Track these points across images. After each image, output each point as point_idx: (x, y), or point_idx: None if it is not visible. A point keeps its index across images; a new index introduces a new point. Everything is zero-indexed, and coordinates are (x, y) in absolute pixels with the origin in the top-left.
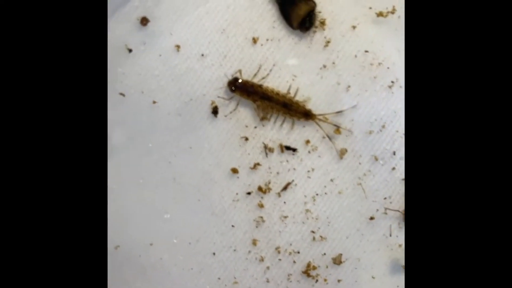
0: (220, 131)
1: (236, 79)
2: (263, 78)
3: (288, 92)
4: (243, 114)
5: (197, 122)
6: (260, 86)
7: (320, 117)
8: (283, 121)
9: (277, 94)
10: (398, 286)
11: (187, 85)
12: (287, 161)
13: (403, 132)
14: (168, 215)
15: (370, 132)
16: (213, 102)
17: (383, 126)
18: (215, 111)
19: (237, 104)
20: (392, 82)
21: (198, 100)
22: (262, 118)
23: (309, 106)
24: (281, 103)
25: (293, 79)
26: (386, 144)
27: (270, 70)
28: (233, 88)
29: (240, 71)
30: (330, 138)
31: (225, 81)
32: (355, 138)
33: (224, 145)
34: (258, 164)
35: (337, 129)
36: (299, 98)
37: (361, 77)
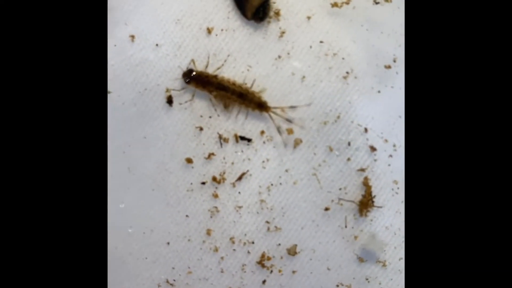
0: (175, 121)
1: (190, 71)
2: (218, 68)
3: (244, 83)
4: (198, 104)
5: (152, 112)
6: (215, 76)
7: (275, 110)
8: (238, 112)
9: (233, 84)
10: (354, 278)
11: (142, 75)
12: (242, 151)
13: (358, 122)
14: (123, 205)
15: (325, 123)
16: (168, 90)
17: (338, 117)
18: (169, 101)
19: (193, 95)
20: (347, 72)
21: (153, 90)
22: (225, 107)
23: (265, 97)
24: (237, 93)
25: (248, 70)
26: (342, 134)
27: (225, 61)
28: (187, 79)
29: (193, 61)
30: (280, 132)
31: (179, 72)
32: (310, 129)
33: (179, 135)
34: (212, 154)
35: (290, 129)
36: (255, 88)
37: (316, 68)
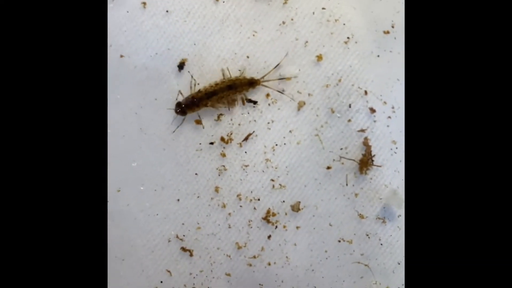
0: (185, 84)
1: (179, 104)
2: (195, 85)
3: (223, 75)
4: (207, 68)
5: (162, 75)
6: (199, 91)
7: (265, 78)
8: (239, 101)
9: (217, 84)
10: (355, 234)
11: (153, 41)
12: (248, 113)
13: (359, 85)
14: (135, 164)
15: (327, 86)
16: (184, 60)
17: (340, 80)
18: (181, 66)
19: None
20: (348, 38)
21: (163, 54)
22: (226, 106)
23: (248, 74)
24: (226, 88)
25: (253, 35)
26: (343, 97)
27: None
28: (181, 111)
29: (180, 92)
30: (283, 93)
31: (188, 42)
32: (313, 92)
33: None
34: (221, 115)
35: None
36: (236, 73)
37: (318, 33)
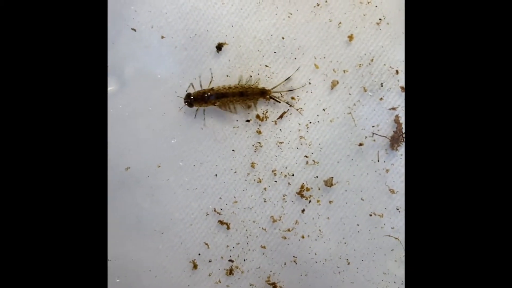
0: (222, 64)
1: (189, 95)
2: (210, 82)
3: (239, 81)
4: (243, 48)
5: (201, 56)
6: (212, 89)
7: (275, 89)
8: (248, 106)
9: (230, 88)
10: (385, 208)
11: (192, 22)
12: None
13: (390, 65)
14: (174, 140)
15: (360, 65)
16: (224, 43)
17: (372, 60)
18: (219, 48)
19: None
20: (380, 19)
21: (202, 35)
22: (231, 110)
23: (261, 84)
24: (238, 94)
25: (288, 16)
26: (375, 77)
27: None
28: (188, 103)
29: (192, 85)
30: (290, 105)
31: (222, 29)
32: (346, 71)
33: (226, 78)
34: None
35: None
36: (249, 82)
37: (351, 15)
